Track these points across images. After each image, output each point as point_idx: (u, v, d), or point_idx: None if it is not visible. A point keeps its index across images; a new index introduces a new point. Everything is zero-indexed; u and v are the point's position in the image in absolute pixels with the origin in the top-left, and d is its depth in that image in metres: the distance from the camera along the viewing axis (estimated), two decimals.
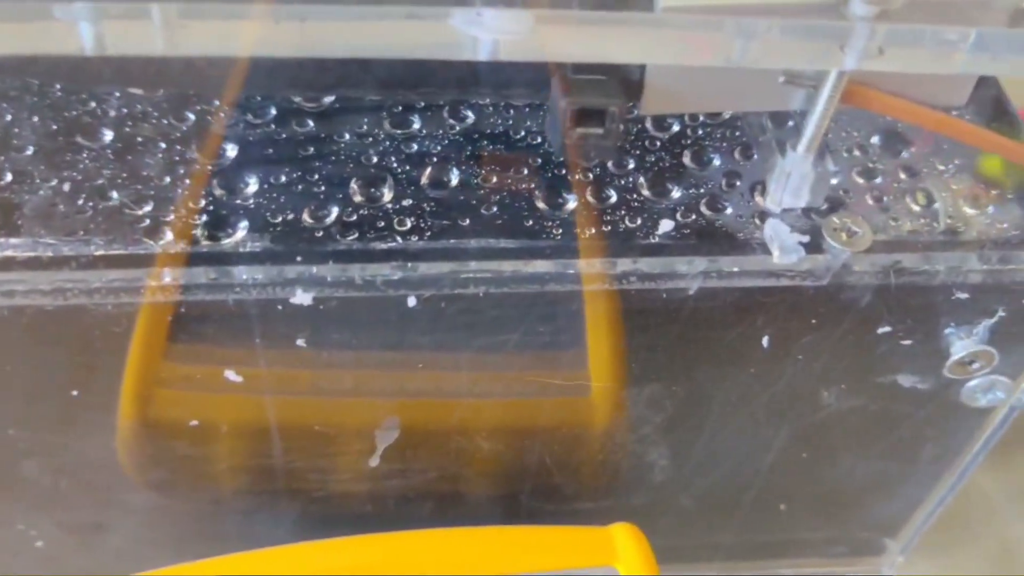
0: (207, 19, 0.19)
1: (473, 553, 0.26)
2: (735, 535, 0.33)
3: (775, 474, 0.31)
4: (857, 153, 0.26)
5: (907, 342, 0.26)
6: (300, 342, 0.25)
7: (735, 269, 0.24)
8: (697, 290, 0.24)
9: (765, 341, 0.26)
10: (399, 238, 0.24)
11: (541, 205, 0.25)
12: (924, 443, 0.30)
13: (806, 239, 0.24)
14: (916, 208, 0.25)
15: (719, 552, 0.34)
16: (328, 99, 0.26)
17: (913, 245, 0.24)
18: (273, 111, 0.26)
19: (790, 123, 0.25)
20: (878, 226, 0.25)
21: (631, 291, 0.24)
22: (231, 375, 0.25)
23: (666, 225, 0.24)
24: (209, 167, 0.25)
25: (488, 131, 0.26)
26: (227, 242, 0.23)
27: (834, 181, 0.26)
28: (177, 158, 0.25)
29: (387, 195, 0.24)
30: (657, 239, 0.24)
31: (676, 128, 0.27)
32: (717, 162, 0.26)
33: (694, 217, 0.25)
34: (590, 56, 0.20)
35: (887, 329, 0.26)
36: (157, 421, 0.27)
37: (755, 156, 0.26)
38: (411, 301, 0.23)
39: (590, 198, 0.25)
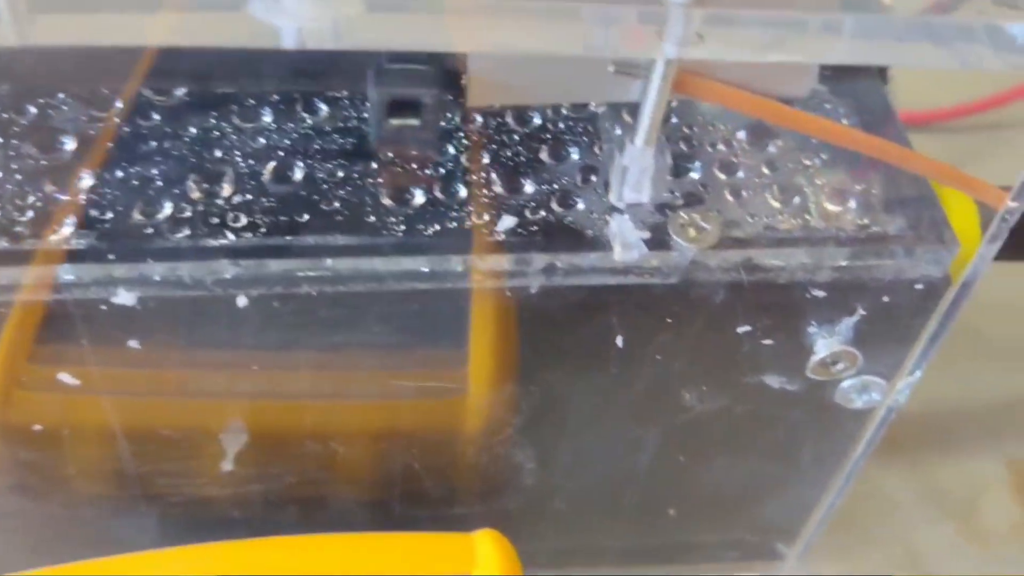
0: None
1: (324, 560, 0.25)
2: (622, 539, 0.33)
3: (656, 477, 0.30)
4: (722, 147, 0.26)
5: (768, 342, 0.25)
6: (136, 343, 0.24)
7: (579, 266, 0.23)
8: (554, 288, 0.24)
9: (625, 341, 0.25)
10: (232, 235, 0.23)
11: (387, 201, 0.24)
12: (804, 445, 0.29)
13: (648, 235, 0.23)
14: (776, 204, 0.25)
15: (608, 556, 0.33)
16: (177, 91, 0.25)
17: (766, 241, 0.24)
18: (118, 103, 0.25)
19: None
20: (734, 222, 0.24)
21: (487, 289, 0.24)
22: (67, 378, 0.25)
23: (508, 221, 0.23)
24: (43, 162, 0.24)
25: (339, 125, 0.25)
26: (52, 239, 0.23)
27: (695, 176, 0.25)
28: (12, 153, 0.24)
29: (225, 191, 0.24)
30: (503, 236, 0.23)
31: (537, 121, 0.26)
32: (575, 156, 0.25)
33: (544, 213, 0.24)
34: (408, 45, 0.20)
35: (747, 328, 0.25)
36: (10, 423, 0.27)
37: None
38: (241, 301, 0.23)
39: (439, 194, 0.24)
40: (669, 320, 0.25)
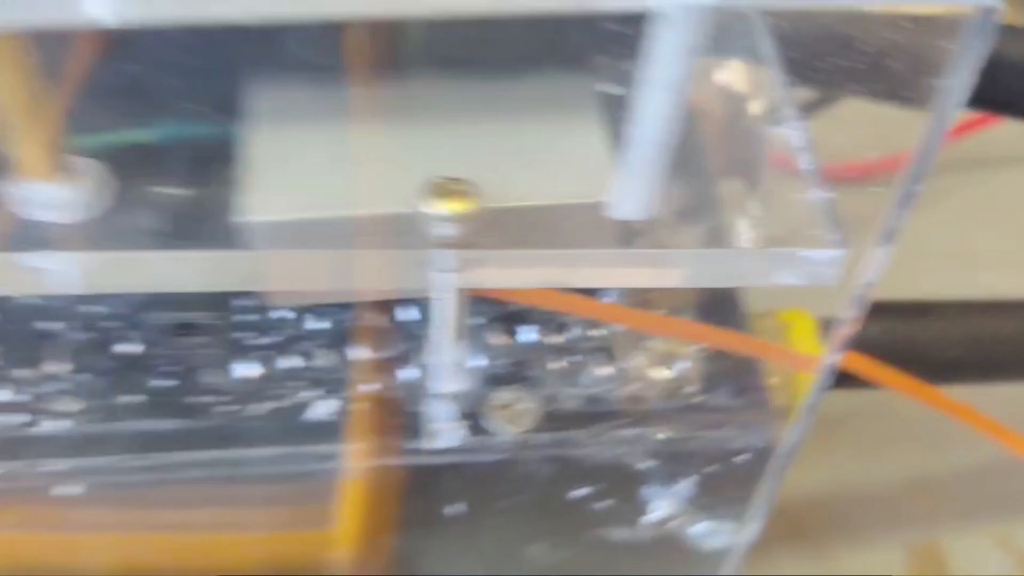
0: None
1: None
2: None
3: None
4: None
5: (604, 505, 0.26)
6: None
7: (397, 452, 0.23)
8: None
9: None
10: None
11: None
12: None
13: (463, 421, 0.23)
14: (601, 372, 0.25)
15: None
16: None
17: (587, 418, 0.24)
18: None
19: None
20: (553, 397, 0.24)
21: None
22: None
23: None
24: None
25: None
26: None
27: (521, 340, 0.25)
28: None
29: None
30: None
31: None
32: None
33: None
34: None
35: (582, 493, 0.25)
36: None
37: None
38: None
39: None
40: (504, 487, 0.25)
